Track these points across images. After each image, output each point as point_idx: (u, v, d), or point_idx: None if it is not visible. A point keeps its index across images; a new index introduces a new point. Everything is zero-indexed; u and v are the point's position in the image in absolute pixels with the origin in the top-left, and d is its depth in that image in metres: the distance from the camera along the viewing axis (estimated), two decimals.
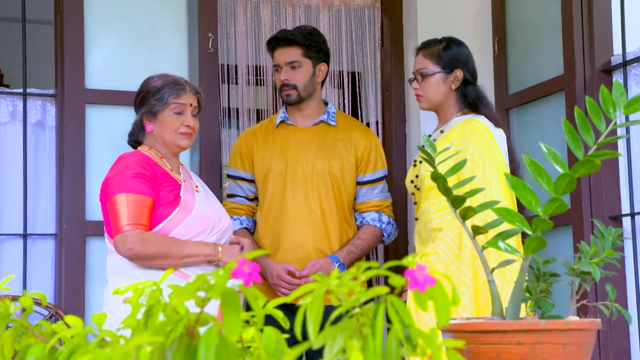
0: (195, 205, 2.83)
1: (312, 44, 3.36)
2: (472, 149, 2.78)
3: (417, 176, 2.98)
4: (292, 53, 3.35)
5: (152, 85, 2.93)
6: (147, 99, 2.92)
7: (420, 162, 2.94)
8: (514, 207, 2.71)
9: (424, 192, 2.91)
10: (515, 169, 2.91)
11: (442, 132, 2.97)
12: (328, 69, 3.46)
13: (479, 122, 2.85)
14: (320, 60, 3.40)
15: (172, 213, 2.79)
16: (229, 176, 3.48)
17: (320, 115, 3.42)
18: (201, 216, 2.83)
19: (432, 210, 2.86)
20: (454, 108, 2.99)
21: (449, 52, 2.99)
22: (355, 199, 3.41)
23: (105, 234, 2.89)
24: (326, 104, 3.48)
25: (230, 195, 3.47)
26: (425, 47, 3.05)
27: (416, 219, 3.00)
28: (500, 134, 2.86)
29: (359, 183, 3.40)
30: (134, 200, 2.74)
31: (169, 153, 2.95)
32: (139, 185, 2.77)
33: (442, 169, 2.78)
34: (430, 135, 3.04)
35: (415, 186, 2.99)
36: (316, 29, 3.48)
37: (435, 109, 3.04)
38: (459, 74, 2.97)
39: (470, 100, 2.98)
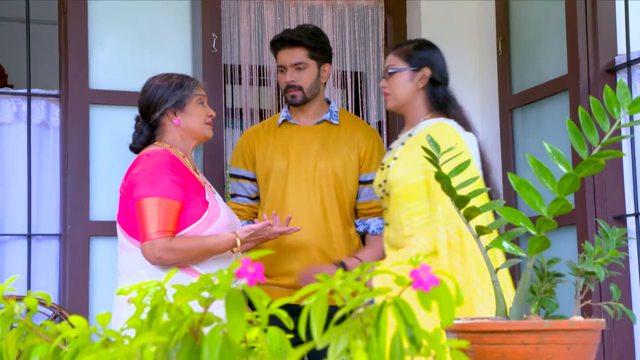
0: (221, 211, 2.84)
1: (317, 44, 3.35)
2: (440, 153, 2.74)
3: (385, 181, 2.92)
4: (298, 54, 3.34)
5: (172, 81, 2.92)
6: (173, 93, 2.90)
7: (388, 166, 2.89)
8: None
9: (393, 198, 2.85)
10: (487, 172, 2.87)
11: (410, 135, 2.92)
12: (330, 69, 3.46)
13: (449, 127, 2.81)
14: (324, 60, 3.40)
15: (202, 216, 2.79)
16: (232, 175, 3.48)
17: (323, 114, 3.42)
18: (225, 222, 2.84)
19: (403, 216, 2.80)
20: (422, 109, 2.91)
21: (418, 52, 2.95)
22: (356, 198, 3.40)
23: (120, 228, 2.86)
24: (329, 102, 3.47)
25: (233, 195, 3.46)
26: (397, 47, 3.03)
27: (386, 225, 2.97)
28: (470, 138, 2.81)
29: (361, 182, 3.39)
30: (164, 206, 2.73)
31: (189, 151, 2.95)
32: (170, 189, 2.75)
33: (416, 173, 2.77)
34: (397, 138, 3.00)
35: (383, 190, 2.94)
36: (319, 28, 3.47)
37: (403, 108, 2.96)
38: (426, 72, 2.90)
39: (439, 100, 2.92)
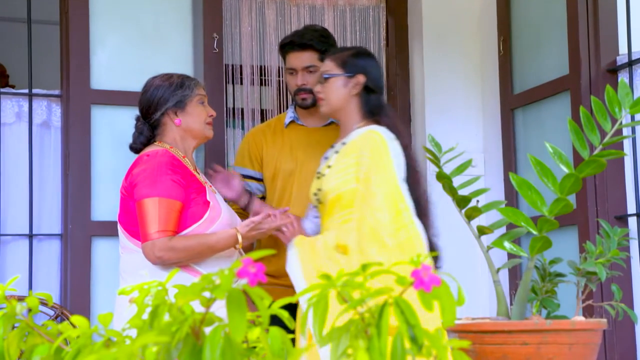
0: (222, 211, 2.84)
1: (327, 47, 3.36)
2: (367, 160, 2.77)
3: (319, 189, 2.93)
4: (309, 57, 3.33)
5: (172, 81, 2.92)
6: (173, 93, 2.89)
7: (324, 174, 2.91)
8: (397, 221, 2.68)
9: (327, 206, 2.87)
10: (415, 180, 2.87)
11: (344, 143, 2.94)
12: None
13: (378, 135, 2.82)
14: None
15: (203, 216, 2.78)
16: (254, 178, 3.47)
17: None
18: (226, 221, 2.84)
19: (336, 224, 2.80)
20: (355, 116, 2.94)
21: (354, 59, 2.98)
22: None
23: (121, 229, 2.86)
24: None
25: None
26: (334, 53, 3.05)
27: (321, 233, 2.96)
28: (395, 147, 2.83)
29: None
30: (164, 205, 2.72)
31: (189, 151, 2.95)
32: (171, 189, 2.74)
33: (348, 181, 2.79)
34: (333, 147, 3.01)
35: (317, 199, 2.95)
36: (326, 30, 3.47)
37: (337, 114, 2.99)
38: (360, 79, 2.93)
39: (371, 107, 2.93)
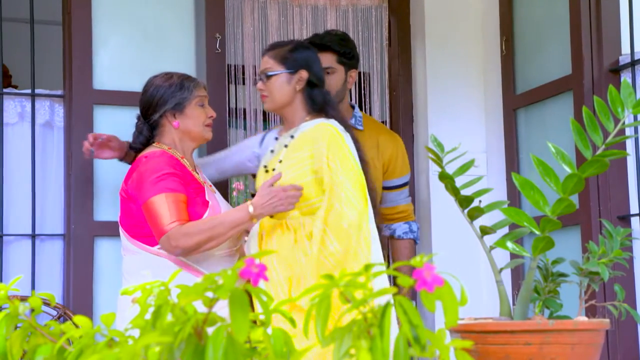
0: (221, 210, 2.83)
1: (346, 50, 3.35)
2: (326, 152, 2.76)
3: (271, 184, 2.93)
4: (327, 59, 3.32)
5: (172, 81, 2.91)
6: (172, 95, 2.89)
7: (273, 169, 2.90)
8: (365, 209, 2.69)
9: None
10: (365, 169, 2.88)
11: (292, 137, 2.94)
12: (357, 74, 3.44)
13: (331, 126, 2.83)
14: (352, 66, 3.39)
15: (203, 216, 2.76)
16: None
17: (348, 120, 3.41)
18: None
19: (296, 215, 2.83)
20: (301, 111, 2.95)
21: (294, 54, 2.97)
22: (381, 204, 3.39)
23: (123, 231, 2.86)
24: (353, 107, 3.47)
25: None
26: (273, 49, 3.04)
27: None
28: (349, 139, 2.84)
29: (385, 188, 3.40)
30: (171, 199, 2.71)
31: (188, 152, 2.95)
32: (173, 184, 2.74)
33: (304, 174, 2.79)
34: (277, 138, 3.01)
35: None
36: (346, 34, 3.47)
37: (281, 110, 3.00)
38: (303, 74, 2.93)
39: (317, 102, 2.94)
